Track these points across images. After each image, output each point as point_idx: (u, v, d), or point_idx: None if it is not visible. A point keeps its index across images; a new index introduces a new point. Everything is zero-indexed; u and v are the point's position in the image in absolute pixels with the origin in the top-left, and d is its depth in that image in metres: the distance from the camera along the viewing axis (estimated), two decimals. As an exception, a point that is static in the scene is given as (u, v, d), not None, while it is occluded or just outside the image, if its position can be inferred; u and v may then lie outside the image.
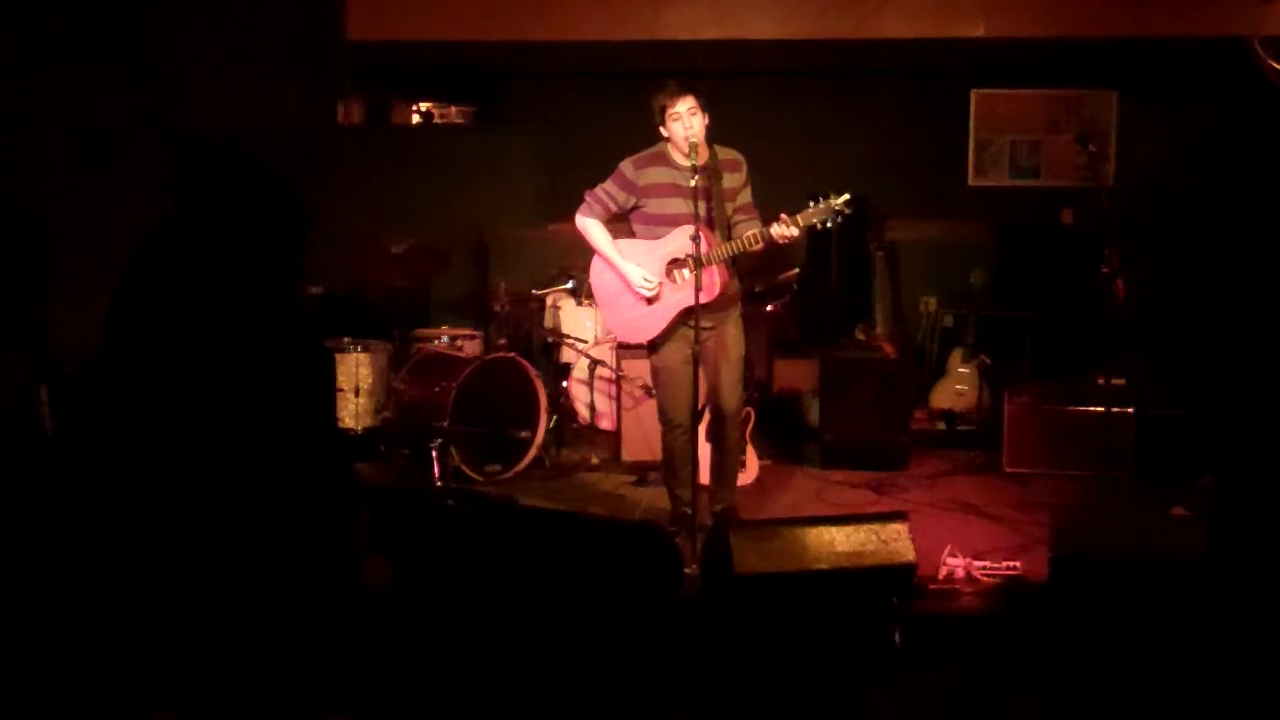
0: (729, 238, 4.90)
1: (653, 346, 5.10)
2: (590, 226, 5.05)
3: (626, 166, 5.00)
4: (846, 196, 4.75)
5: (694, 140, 4.74)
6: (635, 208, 5.02)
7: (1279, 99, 5.66)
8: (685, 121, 4.79)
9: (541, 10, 7.06)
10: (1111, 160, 7.85)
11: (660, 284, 4.98)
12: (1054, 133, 7.97)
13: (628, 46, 7.16)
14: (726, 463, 5.24)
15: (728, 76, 7.51)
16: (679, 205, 4.89)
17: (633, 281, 4.98)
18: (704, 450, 5.27)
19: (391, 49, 7.35)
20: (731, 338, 5.07)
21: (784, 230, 4.73)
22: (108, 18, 5.76)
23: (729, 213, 4.98)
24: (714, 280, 4.82)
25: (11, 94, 5.45)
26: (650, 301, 5.00)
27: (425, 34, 7.17)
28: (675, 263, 4.96)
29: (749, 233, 4.83)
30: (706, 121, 4.83)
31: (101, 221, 5.23)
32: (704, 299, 4.71)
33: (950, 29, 6.88)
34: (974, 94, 8.03)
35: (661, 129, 4.91)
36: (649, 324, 5.03)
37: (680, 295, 4.92)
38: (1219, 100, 7.45)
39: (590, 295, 6.49)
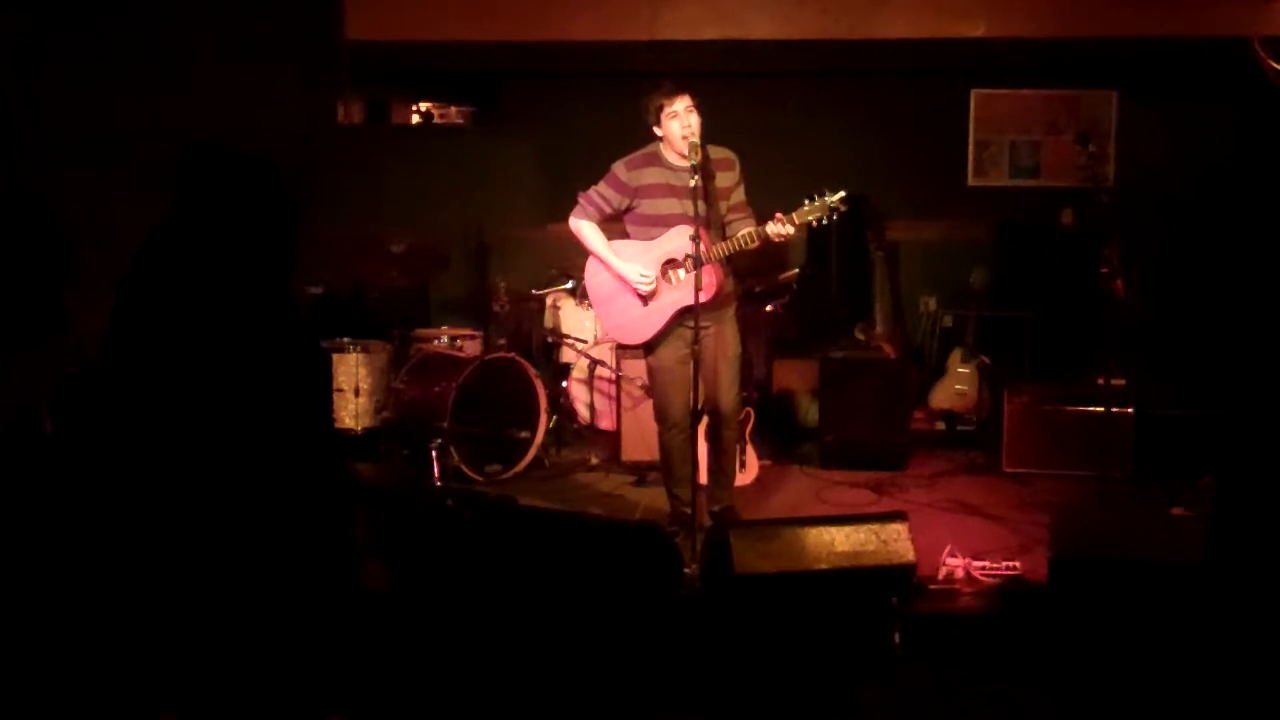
0: (724, 237, 4.90)
1: (649, 347, 5.09)
2: (584, 229, 5.04)
3: (619, 168, 4.99)
4: (842, 194, 4.76)
5: (693, 140, 4.73)
6: (629, 209, 5.01)
7: (1279, 99, 5.65)
8: (683, 120, 4.78)
9: (541, 10, 7.05)
10: (1111, 160, 7.85)
11: (657, 283, 4.97)
12: (1054, 133, 7.96)
13: (627, 46, 7.15)
14: (724, 462, 5.24)
15: (728, 76, 7.51)
16: (673, 205, 4.89)
17: (630, 279, 4.96)
18: (703, 451, 5.27)
19: (391, 49, 7.34)
20: (728, 337, 5.06)
21: (780, 229, 4.74)
22: (109, 19, 5.77)
23: (723, 212, 4.98)
24: (711, 280, 4.82)
25: (14, 94, 5.46)
26: (647, 301, 5.00)
27: (425, 34, 7.17)
28: (670, 263, 4.96)
29: (744, 232, 4.83)
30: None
31: (102, 222, 5.23)
32: (702, 299, 4.70)
33: (950, 29, 6.88)
34: (974, 94, 8.02)
35: (656, 129, 4.90)
36: (645, 325, 5.02)
37: (676, 295, 4.92)
38: (1219, 100, 7.44)
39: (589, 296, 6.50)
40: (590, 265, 5.13)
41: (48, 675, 3.11)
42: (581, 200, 5.04)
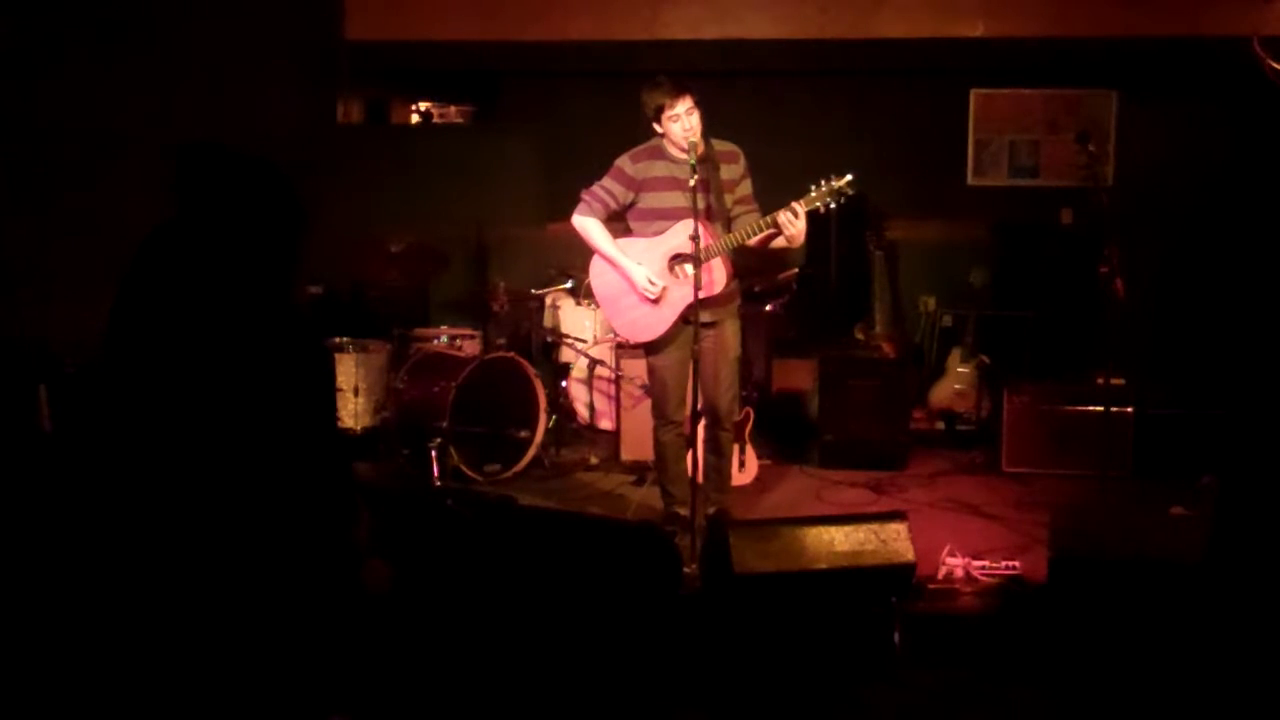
0: (730, 230, 4.90)
1: (654, 345, 5.07)
2: (590, 226, 5.01)
3: (624, 162, 4.97)
4: (849, 177, 4.73)
5: (693, 139, 4.72)
6: (632, 204, 5.00)
7: (1279, 99, 5.65)
8: (684, 122, 4.76)
9: (541, 10, 7.07)
10: (1111, 160, 7.85)
11: (664, 286, 4.96)
12: (1054, 133, 7.96)
13: (627, 46, 7.16)
14: (722, 465, 5.22)
15: (728, 76, 7.51)
16: (678, 199, 4.85)
17: (638, 283, 4.94)
18: (704, 451, 5.27)
19: (391, 49, 7.36)
20: (730, 337, 5.05)
21: (789, 216, 4.70)
22: (108, 19, 5.76)
23: (729, 205, 4.96)
24: (720, 273, 4.84)
25: (11, 94, 5.45)
26: (655, 301, 4.98)
27: (425, 34, 7.18)
28: (678, 258, 4.93)
29: (752, 221, 4.82)
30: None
31: (101, 222, 5.23)
32: (705, 294, 4.70)
33: (950, 29, 6.89)
34: (974, 94, 8.02)
35: (656, 126, 4.88)
36: (655, 322, 5.00)
37: (685, 291, 4.87)
38: (1219, 100, 7.45)
39: (589, 295, 6.49)
40: (595, 263, 5.09)
41: (47, 675, 3.11)
42: (585, 197, 5.01)
